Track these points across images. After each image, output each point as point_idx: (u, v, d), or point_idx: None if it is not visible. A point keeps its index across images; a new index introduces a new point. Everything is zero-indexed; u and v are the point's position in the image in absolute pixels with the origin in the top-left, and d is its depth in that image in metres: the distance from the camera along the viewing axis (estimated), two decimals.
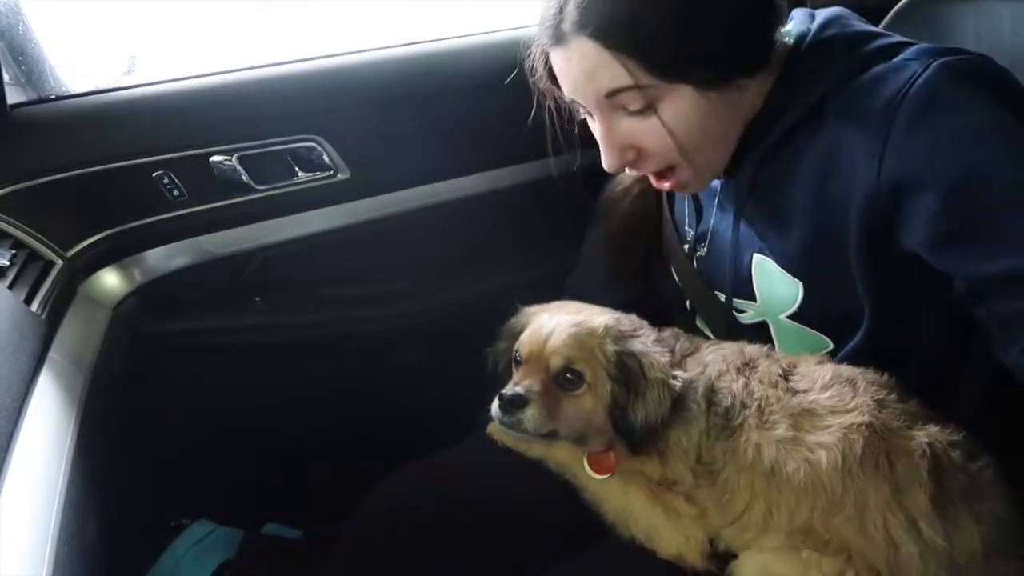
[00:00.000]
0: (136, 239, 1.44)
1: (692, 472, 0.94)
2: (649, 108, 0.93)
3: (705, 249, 1.13)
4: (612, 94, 0.93)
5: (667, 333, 1.06)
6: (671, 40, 0.89)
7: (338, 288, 1.59)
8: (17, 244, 1.30)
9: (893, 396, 0.90)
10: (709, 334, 1.16)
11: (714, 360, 0.98)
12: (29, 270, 1.26)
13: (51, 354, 1.13)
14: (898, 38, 0.95)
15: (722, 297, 1.10)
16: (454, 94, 1.58)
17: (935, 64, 0.86)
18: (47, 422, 1.01)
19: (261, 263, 1.54)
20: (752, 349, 1.00)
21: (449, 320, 1.64)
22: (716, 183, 1.10)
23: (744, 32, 0.93)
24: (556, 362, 0.96)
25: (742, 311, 1.09)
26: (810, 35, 0.99)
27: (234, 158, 1.45)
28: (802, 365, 0.96)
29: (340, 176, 1.52)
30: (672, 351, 1.00)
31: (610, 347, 0.96)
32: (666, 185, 1.03)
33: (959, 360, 0.99)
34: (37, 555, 0.80)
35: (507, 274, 1.70)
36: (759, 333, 1.07)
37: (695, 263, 1.15)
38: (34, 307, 1.19)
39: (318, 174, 1.51)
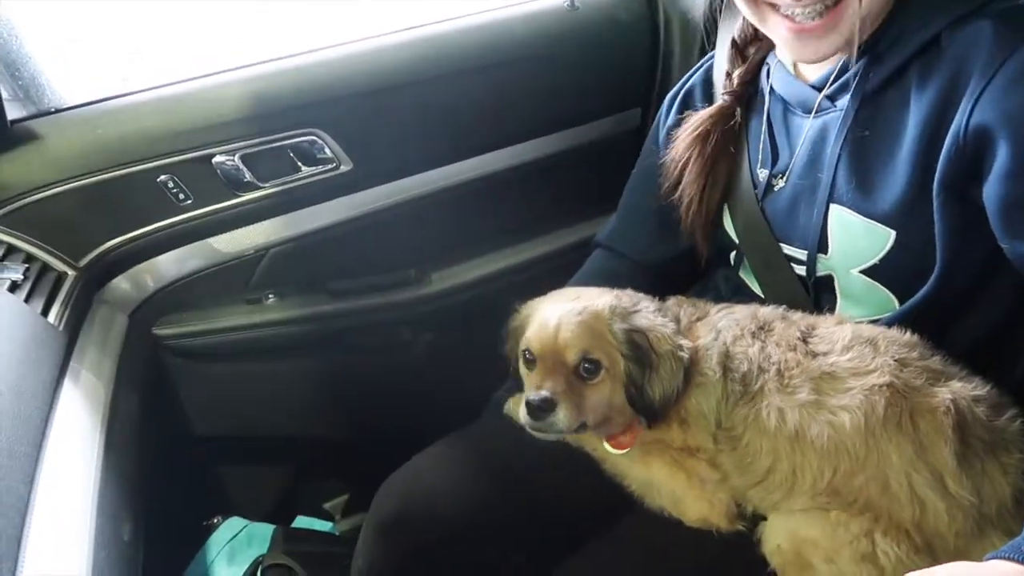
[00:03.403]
0: (146, 245, 1.45)
1: (713, 438, 0.94)
2: None
3: (778, 191, 1.08)
4: None
5: (670, 302, 1.05)
6: None
7: (349, 280, 1.59)
8: (29, 258, 1.31)
9: (915, 354, 0.90)
10: (756, 289, 1.14)
11: (727, 325, 0.97)
12: (43, 283, 1.27)
13: (72, 363, 1.15)
14: None
15: (788, 250, 1.07)
16: (450, 79, 1.57)
17: None
18: (74, 430, 1.03)
19: (271, 260, 1.55)
20: (766, 311, 1.00)
21: (460, 303, 1.65)
22: (805, 122, 1.04)
23: None
24: (572, 355, 0.95)
25: (801, 262, 1.06)
26: None
27: (236, 157, 1.45)
28: (821, 326, 0.96)
29: (343, 168, 1.52)
30: (677, 320, 0.99)
31: (618, 326, 0.95)
32: (817, 24, 0.93)
33: (1016, 320, 0.98)
34: (76, 560, 0.82)
35: (514, 254, 1.70)
36: (820, 287, 1.05)
37: (763, 210, 1.10)
38: (51, 318, 1.20)
39: (320, 167, 1.51)
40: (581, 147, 1.71)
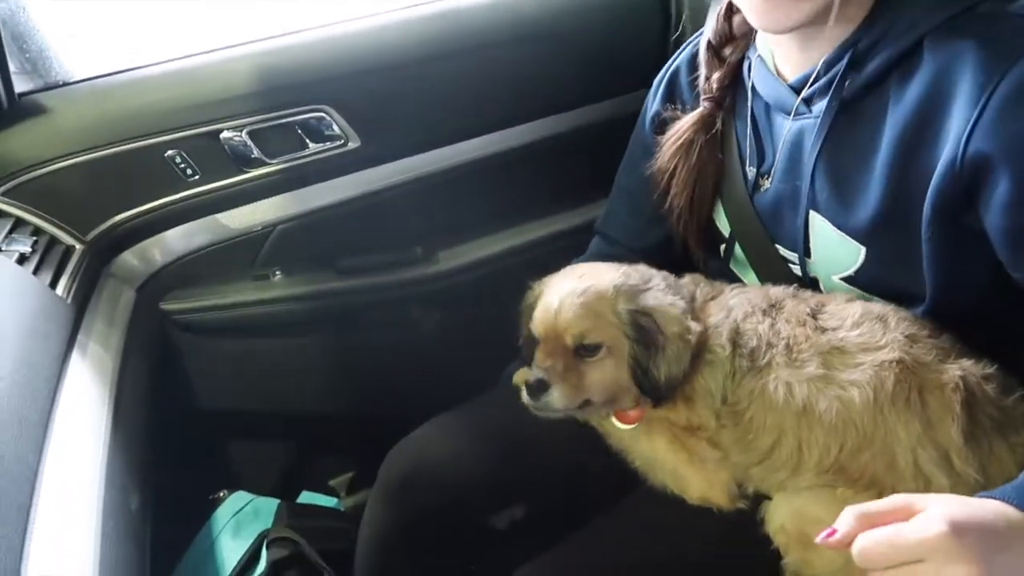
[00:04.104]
0: (154, 220, 1.45)
1: (716, 415, 0.94)
2: None
3: (764, 191, 1.06)
4: None
5: (686, 279, 1.04)
6: None
7: (356, 257, 1.59)
8: (37, 231, 1.31)
9: (926, 331, 0.89)
10: (748, 281, 1.13)
11: (739, 303, 0.97)
12: (51, 256, 1.27)
13: (80, 336, 1.15)
14: None
15: (780, 250, 1.06)
16: (458, 56, 1.56)
17: None
18: (82, 403, 1.04)
19: (278, 236, 1.55)
20: (777, 291, 0.99)
21: (468, 282, 1.64)
22: (785, 123, 1.01)
23: None
24: (570, 337, 0.96)
25: (793, 263, 1.05)
26: None
27: (244, 133, 1.44)
28: (831, 303, 0.95)
29: (351, 144, 1.52)
30: (692, 298, 0.99)
31: (622, 307, 0.95)
32: None
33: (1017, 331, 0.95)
34: (85, 529, 0.83)
35: (521, 233, 1.70)
36: (813, 287, 1.04)
37: (754, 207, 1.08)
38: (59, 291, 1.20)
39: (328, 144, 1.51)
40: (589, 128, 1.70)
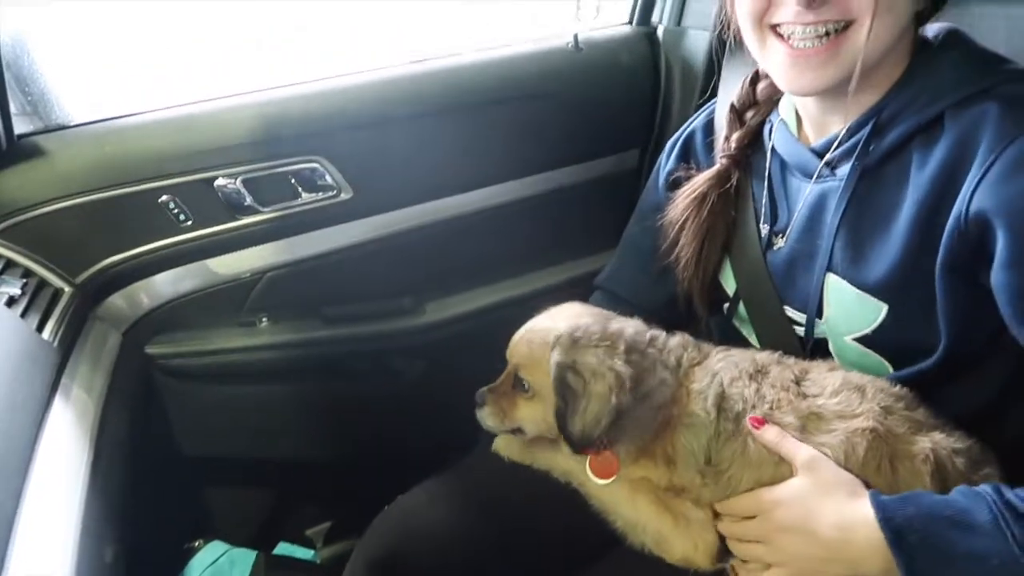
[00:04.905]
0: (144, 264, 1.46)
1: (700, 474, 0.95)
2: None
3: (777, 250, 1.08)
4: None
5: (676, 341, 1.04)
6: None
7: (343, 307, 1.60)
8: (27, 273, 1.31)
9: (901, 404, 0.91)
10: (749, 339, 1.14)
11: (725, 367, 0.98)
12: (40, 298, 1.28)
13: (64, 380, 1.15)
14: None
15: (787, 310, 1.08)
16: (452, 113, 1.60)
17: None
18: (62, 448, 1.03)
19: (267, 283, 1.56)
20: (764, 356, 1.01)
21: (455, 334, 1.66)
22: (804, 186, 1.04)
23: None
24: (511, 367, 1.03)
25: (799, 324, 1.07)
26: (937, 41, 0.96)
27: (238, 180, 1.46)
28: (814, 371, 0.97)
29: (343, 195, 1.54)
30: (679, 363, 1.00)
31: (555, 358, 0.97)
32: (817, 50, 0.91)
33: (1009, 389, 0.98)
34: None
35: (509, 288, 1.72)
36: (816, 349, 1.05)
37: (766, 263, 1.10)
38: (46, 335, 1.20)
39: (321, 194, 1.53)
40: (579, 185, 1.74)
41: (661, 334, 1.04)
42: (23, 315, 1.19)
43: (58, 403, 1.09)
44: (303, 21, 1.92)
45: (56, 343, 1.19)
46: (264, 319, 1.57)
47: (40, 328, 1.20)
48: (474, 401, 1.06)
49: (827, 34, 0.90)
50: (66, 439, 1.05)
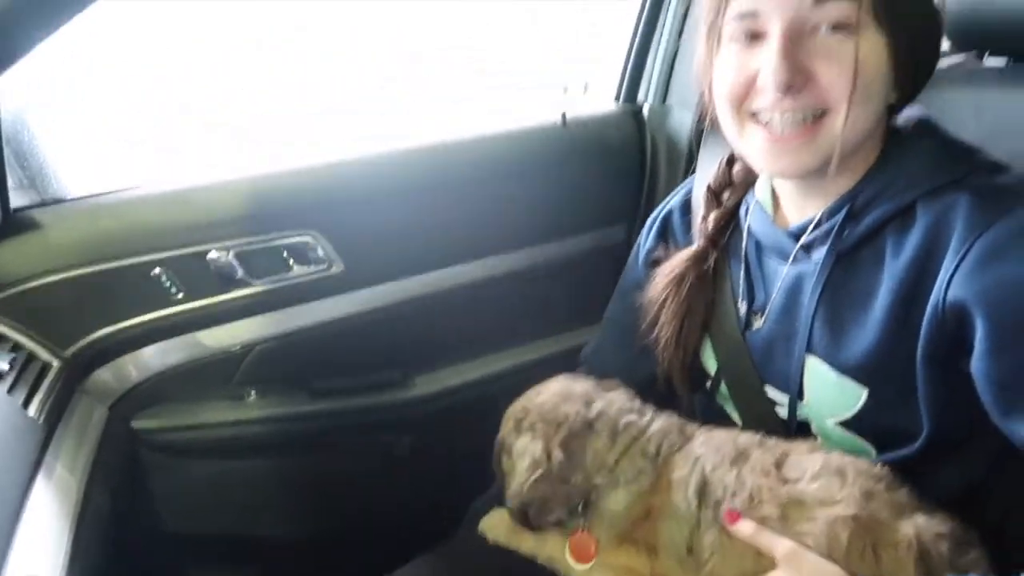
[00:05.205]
0: (133, 336, 1.46)
1: (681, 564, 0.94)
2: (852, 30, 0.88)
3: (756, 330, 1.09)
4: None
5: (658, 425, 1.04)
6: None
7: (332, 380, 1.60)
8: (16, 347, 1.32)
9: (882, 486, 0.91)
10: (732, 416, 1.14)
11: (707, 453, 0.98)
12: (27, 372, 1.27)
13: (47, 458, 1.14)
14: (995, 159, 0.95)
15: (769, 391, 1.08)
16: (443, 188, 1.64)
17: None
18: (43, 529, 1.02)
19: (256, 356, 1.56)
20: (745, 438, 1.01)
21: (443, 409, 1.66)
22: (780, 267, 1.05)
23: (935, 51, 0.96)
24: None
25: (781, 404, 1.07)
26: (909, 129, 0.98)
27: (231, 254, 1.48)
28: (794, 453, 0.97)
29: (335, 269, 1.56)
30: (658, 451, 1.00)
31: (499, 437, 1.07)
32: (795, 134, 0.92)
33: (993, 473, 0.99)
34: None
35: (498, 361, 1.73)
36: (801, 430, 1.05)
37: (746, 342, 1.10)
38: (31, 410, 1.20)
39: (313, 267, 1.55)
40: (567, 259, 1.76)
41: (646, 415, 1.05)
42: (10, 391, 1.19)
43: (40, 482, 1.08)
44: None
45: (42, 419, 1.19)
46: (252, 392, 1.57)
47: (26, 404, 1.20)
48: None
49: (804, 120, 0.91)
50: (47, 519, 1.03)
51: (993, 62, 1.36)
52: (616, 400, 1.06)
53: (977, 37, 1.30)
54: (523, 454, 1.01)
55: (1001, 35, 1.27)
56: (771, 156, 0.95)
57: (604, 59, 1.93)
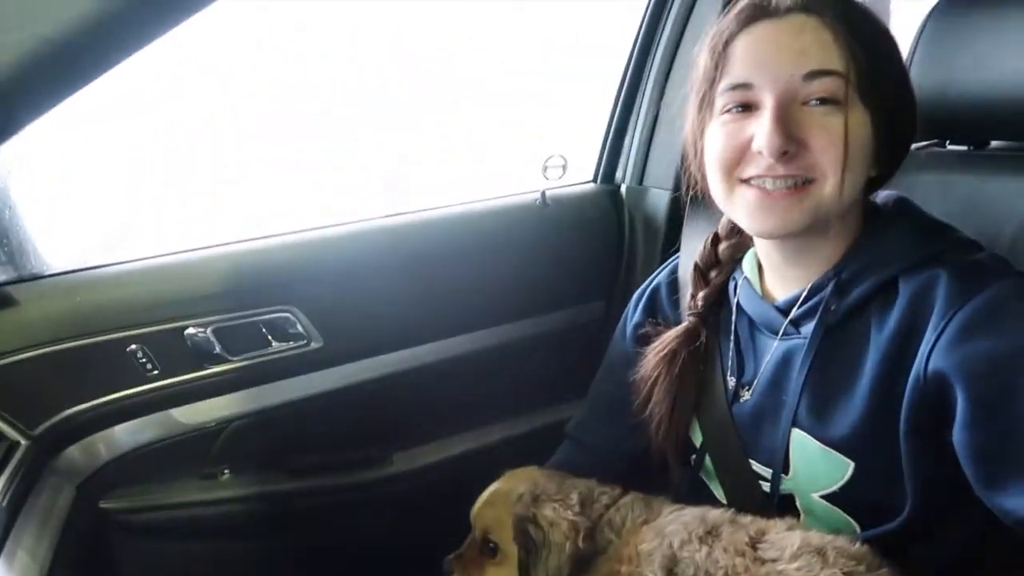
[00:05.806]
0: (105, 414, 1.43)
1: None
2: (840, 104, 0.92)
3: (743, 402, 1.10)
4: (816, 75, 0.92)
5: (625, 500, 1.06)
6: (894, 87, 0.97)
7: (307, 457, 1.58)
8: None
9: (863, 567, 0.90)
10: (716, 492, 1.14)
11: (675, 529, 0.97)
12: None
13: (9, 543, 1.10)
14: (969, 237, 0.99)
15: (753, 465, 1.08)
16: (423, 265, 1.65)
17: (1012, 277, 0.90)
18: None
19: (231, 434, 1.54)
20: (715, 515, 1.00)
21: (421, 486, 1.63)
22: (770, 342, 1.07)
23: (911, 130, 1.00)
24: (477, 533, 1.07)
25: (765, 479, 1.07)
26: (888, 208, 1.03)
27: (209, 330, 1.47)
28: (771, 532, 0.96)
29: (313, 344, 1.55)
30: (623, 521, 1.02)
31: (516, 511, 1.03)
32: (785, 193, 0.95)
33: (977, 548, 0.99)
34: None
35: (478, 437, 1.71)
36: (784, 505, 1.05)
37: (732, 417, 1.11)
38: None
39: (292, 343, 1.54)
40: (546, 335, 1.77)
41: (614, 492, 1.07)
42: None
43: (0, 568, 1.04)
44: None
45: (6, 502, 1.15)
46: (227, 471, 1.53)
47: None
48: (441, 567, 1.07)
49: (796, 184, 0.94)
50: None
51: (954, 149, 1.42)
52: (581, 482, 1.10)
53: (940, 127, 1.36)
54: (558, 522, 1.01)
55: (960, 125, 1.34)
56: (759, 213, 0.97)
57: (583, 138, 1.98)
